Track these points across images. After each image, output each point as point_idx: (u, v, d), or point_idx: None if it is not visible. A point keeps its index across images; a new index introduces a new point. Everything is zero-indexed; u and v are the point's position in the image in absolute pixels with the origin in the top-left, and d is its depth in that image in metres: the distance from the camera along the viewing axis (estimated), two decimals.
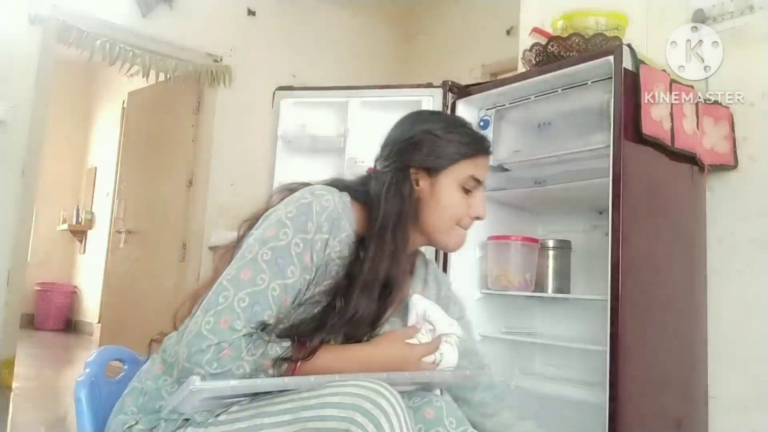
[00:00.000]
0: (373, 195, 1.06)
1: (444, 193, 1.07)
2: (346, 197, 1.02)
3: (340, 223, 0.99)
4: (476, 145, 1.10)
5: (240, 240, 1.04)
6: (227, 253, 1.04)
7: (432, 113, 1.27)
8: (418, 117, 1.16)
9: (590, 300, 1.85)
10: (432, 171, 1.07)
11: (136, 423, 0.97)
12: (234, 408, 0.94)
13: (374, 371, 0.96)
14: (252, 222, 1.05)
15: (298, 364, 0.93)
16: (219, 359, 0.88)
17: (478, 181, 1.10)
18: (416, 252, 1.20)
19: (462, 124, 1.14)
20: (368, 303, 1.00)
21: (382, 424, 0.82)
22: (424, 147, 1.08)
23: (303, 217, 0.97)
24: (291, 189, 1.05)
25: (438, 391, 1.13)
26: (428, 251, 2.01)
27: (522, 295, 2.04)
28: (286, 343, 0.93)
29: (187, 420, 0.94)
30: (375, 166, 1.13)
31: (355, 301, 0.98)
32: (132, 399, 1.01)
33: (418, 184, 1.08)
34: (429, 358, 1.03)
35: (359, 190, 1.07)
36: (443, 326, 1.05)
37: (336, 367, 0.95)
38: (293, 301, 0.96)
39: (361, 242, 1.02)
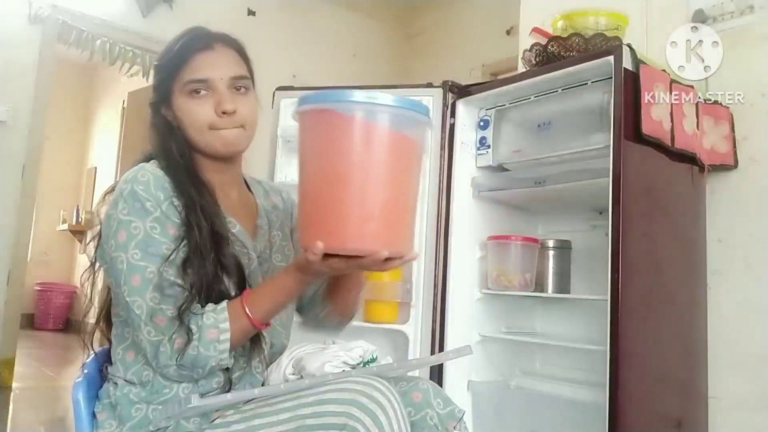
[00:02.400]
0: (154, 144, 1.08)
1: (181, 111, 1.05)
2: (152, 164, 1.03)
3: (164, 184, 1.00)
4: (179, 54, 1.06)
5: (94, 261, 1.06)
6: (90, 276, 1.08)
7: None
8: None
9: (590, 300, 1.85)
10: (166, 100, 1.07)
11: None
12: (230, 411, 0.95)
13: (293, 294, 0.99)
14: (97, 239, 1.05)
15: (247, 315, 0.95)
16: (179, 351, 0.92)
17: (201, 81, 1.04)
18: (241, 185, 1.18)
19: (179, 36, 1.09)
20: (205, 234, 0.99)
21: (379, 417, 0.84)
22: (155, 81, 1.10)
23: (137, 204, 0.97)
24: (109, 191, 1.05)
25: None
26: (429, 251, 2.02)
27: (522, 295, 2.04)
28: (218, 311, 0.95)
29: (178, 430, 0.94)
30: None
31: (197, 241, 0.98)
32: (106, 415, 1.01)
33: (167, 117, 1.08)
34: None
35: (151, 156, 1.08)
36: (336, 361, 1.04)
37: (276, 302, 0.98)
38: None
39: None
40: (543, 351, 2.16)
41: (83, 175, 6.84)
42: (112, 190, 1.03)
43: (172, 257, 0.96)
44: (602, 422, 1.53)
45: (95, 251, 1.05)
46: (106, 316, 1.11)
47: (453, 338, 2.00)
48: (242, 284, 1.02)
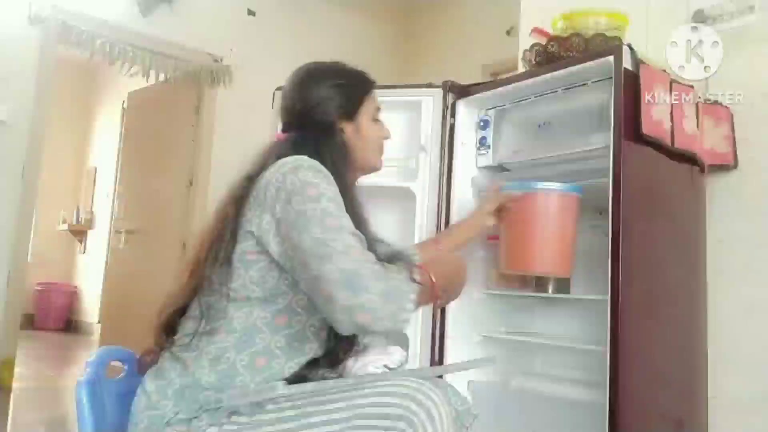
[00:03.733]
0: (322, 152, 1.14)
1: (367, 130, 1.24)
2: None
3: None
4: (366, 80, 1.29)
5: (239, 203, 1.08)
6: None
7: (316, 66, 1.32)
8: (316, 75, 1.26)
9: (590, 300, 1.85)
10: (350, 116, 1.23)
11: (176, 414, 0.99)
12: (281, 399, 0.98)
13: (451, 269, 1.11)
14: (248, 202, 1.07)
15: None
16: (379, 276, 0.93)
17: (379, 109, 1.29)
18: None
19: (348, 68, 1.30)
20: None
21: (434, 414, 0.90)
22: (338, 99, 1.22)
23: (322, 175, 1.05)
24: (278, 155, 1.12)
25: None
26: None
27: (522, 295, 2.04)
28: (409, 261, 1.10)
29: (231, 411, 0.97)
30: (288, 133, 1.22)
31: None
32: (160, 394, 1.02)
33: (344, 132, 1.21)
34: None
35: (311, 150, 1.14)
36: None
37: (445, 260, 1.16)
38: None
39: None
40: (543, 351, 2.16)
41: (83, 175, 6.84)
42: (278, 156, 1.10)
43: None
44: (602, 422, 1.53)
45: (238, 216, 1.07)
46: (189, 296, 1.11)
47: (453, 338, 2.00)
48: None
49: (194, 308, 1.08)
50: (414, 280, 0.98)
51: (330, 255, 0.92)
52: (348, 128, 1.21)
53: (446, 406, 0.93)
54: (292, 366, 1.04)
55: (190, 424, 0.98)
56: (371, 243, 1.08)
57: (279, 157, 1.10)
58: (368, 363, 1.08)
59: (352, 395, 0.93)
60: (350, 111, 1.22)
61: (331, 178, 1.05)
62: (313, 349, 1.07)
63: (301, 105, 1.22)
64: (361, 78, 1.28)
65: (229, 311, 1.04)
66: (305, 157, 1.07)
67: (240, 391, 0.99)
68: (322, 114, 1.20)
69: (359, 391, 0.93)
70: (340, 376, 1.09)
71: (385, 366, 1.09)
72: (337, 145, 1.18)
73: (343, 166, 1.15)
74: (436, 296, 1.03)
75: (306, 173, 1.03)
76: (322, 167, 1.06)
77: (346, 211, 1.03)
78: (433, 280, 1.01)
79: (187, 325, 1.08)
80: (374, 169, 1.29)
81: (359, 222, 1.08)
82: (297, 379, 1.04)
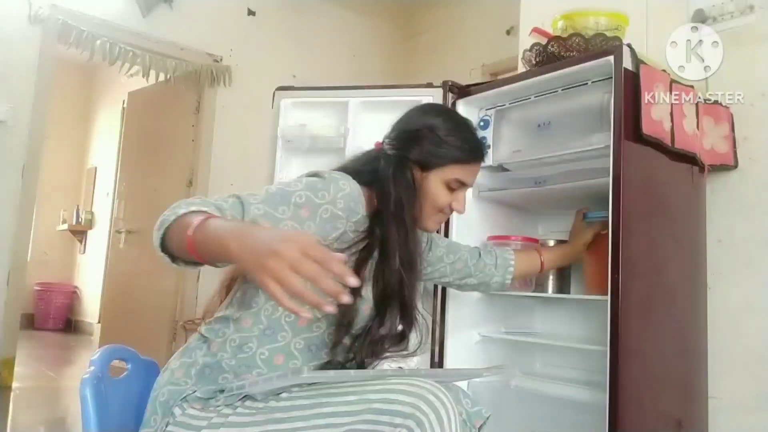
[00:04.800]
0: (381, 177, 1.17)
1: (431, 189, 1.20)
2: (357, 185, 1.12)
3: (356, 207, 1.10)
4: (471, 153, 1.22)
5: None
6: None
7: (442, 110, 1.35)
8: (429, 110, 1.27)
9: (590, 300, 1.85)
10: (425, 167, 1.19)
11: (194, 392, 1.03)
12: (295, 389, 0.99)
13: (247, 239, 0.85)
14: None
15: (190, 229, 0.88)
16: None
17: (463, 184, 1.23)
18: None
19: (465, 128, 1.24)
20: (411, 275, 1.14)
21: (442, 416, 0.91)
22: (424, 143, 1.19)
23: (319, 185, 1.07)
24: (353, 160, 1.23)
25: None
26: None
27: (522, 295, 2.04)
28: (200, 209, 0.94)
29: (245, 396, 1.00)
30: (384, 144, 1.23)
31: (398, 275, 1.12)
32: (183, 371, 1.07)
33: (415, 177, 1.19)
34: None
35: (364, 171, 1.17)
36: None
37: (220, 232, 0.87)
38: None
39: (372, 220, 1.14)
40: (543, 351, 2.16)
41: (83, 175, 6.84)
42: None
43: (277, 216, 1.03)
44: (602, 422, 1.53)
45: None
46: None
47: (453, 338, 2.01)
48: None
49: (232, 293, 1.14)
50: (182, 213, 0.92)
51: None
52: (416, 172, 1.20)
53: (455, 410, 0.94)
54: (310, 368, 1.07)
55: (207, 403, 1.02)
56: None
57: (351, 162, 1.22)
58: (383, 363, 1.11)
59: (365, 389, 0.94)
60: (427, 162, 1.20)
61: (329, 195, 1.06)
62: (329, 356, 1.10)
63: (399, 123, 1.25)
64: (467, 144, 1.23)
65: (260, 302, 1.09)
66: (342, 176, 1.10)
67: (263, 378, 1.00)
68: (403, 141, 1.21)
69: (372, 386, 0.94)
70: None
71: (400, 368, 1.12)
72: (407, 179, 1.18)
73: (404, 199, 1.16)
74: (190, 250, 0.88)
75: (312, 178, 1.09)
76: (340, 187, 1.07)
77: (397, 249, 1.11)
78: (189, 233, 0.87)
79: (222, 309, 1.13)
80: (422, 225, 1.23)
81: (409, 263, 1.14)
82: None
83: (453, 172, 1.20)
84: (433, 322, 2.01)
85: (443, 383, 1.00)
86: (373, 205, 1.16)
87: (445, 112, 1.32)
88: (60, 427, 2.97)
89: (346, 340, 1.11)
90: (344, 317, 1.08)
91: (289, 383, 0.96)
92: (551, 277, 2.03)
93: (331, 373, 0.98)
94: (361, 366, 1.12)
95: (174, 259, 0.95)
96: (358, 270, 1.08)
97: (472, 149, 1.23)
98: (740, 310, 1.82)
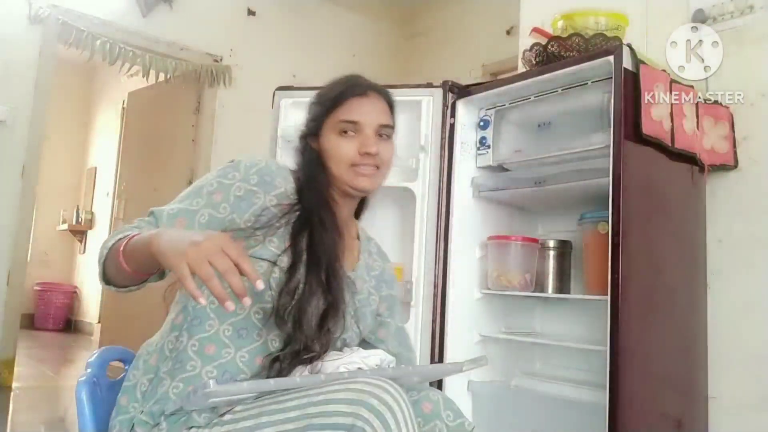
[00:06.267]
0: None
1: (329, 146, 1.16)
2: (277, 162, 1.14)
3: (273, 181, 1.08)
4: (342, 91, 1.18)
5: None
6: None
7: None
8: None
9: (590, 300, 1.85)
10: (315, 132, 1.18)
11: (141, 412, 0.99)
12: (238, 407, 0.95)
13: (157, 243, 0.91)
14: None
15: (121, 247, 0.98)
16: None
17: (352, 122, 1.15)
18: (353, 221, 1.27)
19: (334, 80, 1.22)
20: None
21: (388, 420, 0.84)
22: (308, 115, 1.22)
23: (229, 169, 1.09)
24: None
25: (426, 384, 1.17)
26: (429, 251, 2.02)
27: (522, 295, 2.04)
28: (126, 234, 1.01)
29: (189, 423, 0.95)
30: None
31: (322, 245, 1.07)
32: (128, 397, 1.03)
33: (314, 148, 1.18)
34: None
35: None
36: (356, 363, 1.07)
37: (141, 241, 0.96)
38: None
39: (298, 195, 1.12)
40: (543, 351, 2.16)
41: (83, 175, 6.84)
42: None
43: (205, 219, 1.06)
44: (602, 422, 1.53)
45: None
46: None
47: (453, 338, 2.01)
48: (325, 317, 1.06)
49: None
50: (112, 244, 1.01)
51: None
52: (314, 144, 1.19)
53: (405, 411, 0.86)
54: (244, 355, 1.01)
55: (151, 430, 0.98)
56: (329, 256, 1.08)
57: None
58: (340, 365, 1.02)
59: (305, 403, 0.88)
60: (314, 129, 1.19)
61: (240, 174, 1.07)
62: (264, 337, 1.03)
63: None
64: (331, 92, 1.19)
65: (186, 293, 1.03)
66: (264, 157, 1.14)
67: (181, 397, 0.98)
68: (299, 133, 1.23)
69: (312, 398, 0.88)
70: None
71: (359, 369, 1.03)
72: (306, 162, 1.18)
73: (315, 183, 1.14)
74: (122, 267, 0.98)
75: (221, 167, 1.11)
76: (251, 165, 1.09)
77: (307, 216, 1.08)
78: (120, 250, 0.97)
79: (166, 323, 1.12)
80: (350, 185, 1.16)
81: (319, 231, 1.08)
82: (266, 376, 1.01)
83: (335, 117, 1.16)
84: (433, 321, 2.01)
85: (399, 381, 0.93)
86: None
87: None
88: (60, 427, 2.97)
89: (287, 325, 1.03)
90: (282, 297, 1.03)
91: (201, 402, 0.90)
92: (551, 277, 2.03)
93: (245, 384, 0.90)
94: (310, 353, 1.04)
95: (117, 286, 1.06)
96: (294, 242, 1.06)
97: (342, 89, 1.18)
98: (740, 310, 1.82)
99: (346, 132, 1.15)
